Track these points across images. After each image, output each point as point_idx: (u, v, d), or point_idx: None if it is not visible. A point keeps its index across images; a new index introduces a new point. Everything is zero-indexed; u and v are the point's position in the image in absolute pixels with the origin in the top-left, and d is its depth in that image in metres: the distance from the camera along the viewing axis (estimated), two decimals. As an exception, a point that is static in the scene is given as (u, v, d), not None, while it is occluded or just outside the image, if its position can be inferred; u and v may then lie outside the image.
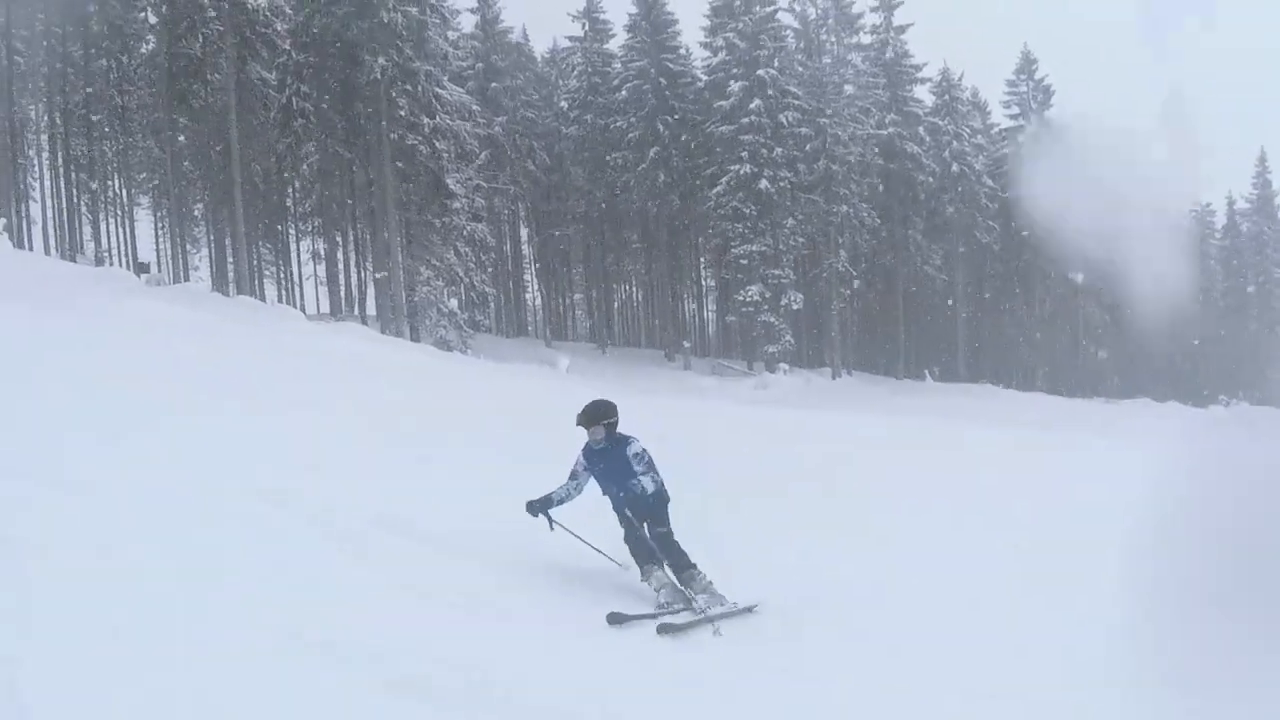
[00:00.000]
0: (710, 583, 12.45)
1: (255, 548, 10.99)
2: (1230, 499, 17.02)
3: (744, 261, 70.97)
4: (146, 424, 15.31)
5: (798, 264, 75.85)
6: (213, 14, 57.24)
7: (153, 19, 62.24)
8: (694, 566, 12.58)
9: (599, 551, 13.09)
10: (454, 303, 60.93)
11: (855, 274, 78.38)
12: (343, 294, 70.69)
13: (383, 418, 20.89)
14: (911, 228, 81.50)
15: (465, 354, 55.82)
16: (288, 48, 61.66)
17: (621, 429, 13.00)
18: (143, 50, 65.47)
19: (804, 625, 12.17)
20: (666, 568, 12.57)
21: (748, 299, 70.29)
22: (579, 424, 12.92)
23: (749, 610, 12.26)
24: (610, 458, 12.88)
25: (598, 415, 12.85)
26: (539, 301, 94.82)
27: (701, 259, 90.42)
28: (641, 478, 12.76)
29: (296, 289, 76.59)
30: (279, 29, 60.56)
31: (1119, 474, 21.87)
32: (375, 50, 57.78)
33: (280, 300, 69.39)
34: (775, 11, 76.38)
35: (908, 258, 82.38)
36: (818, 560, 15.03)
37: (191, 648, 8.19)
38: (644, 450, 12.92)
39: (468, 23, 78.70)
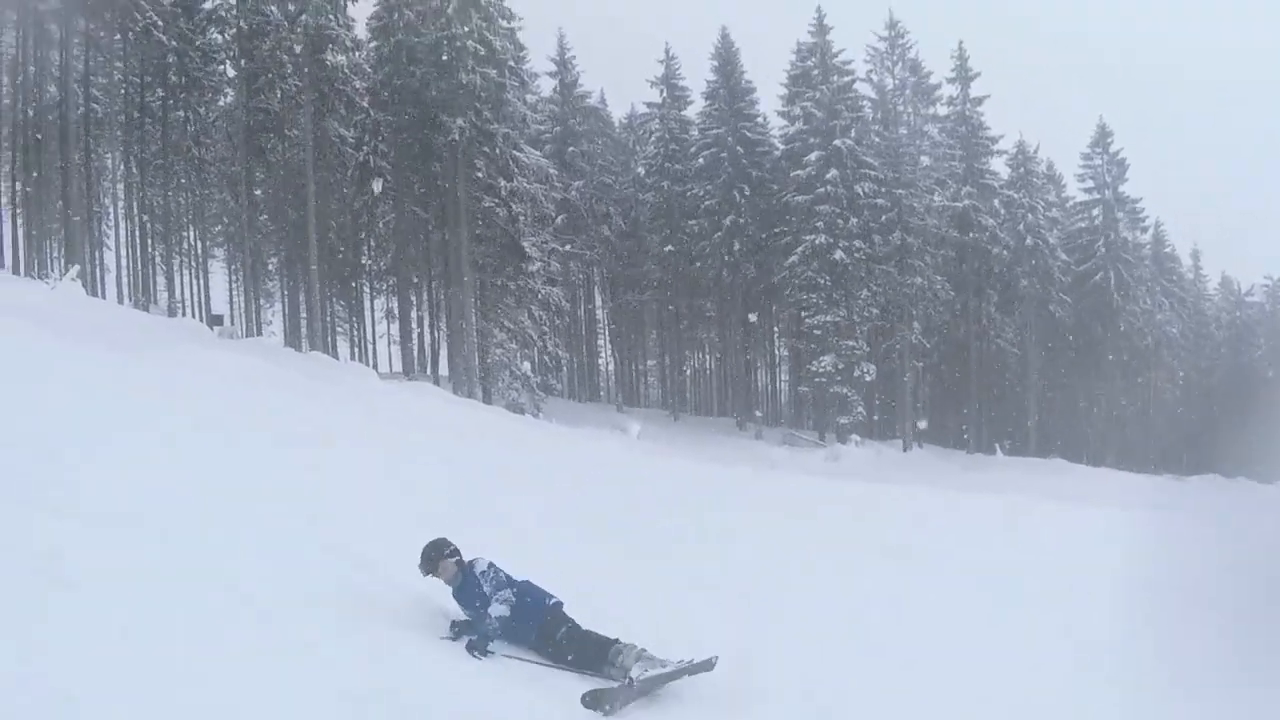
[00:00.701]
0: (642, 650, 11.19)
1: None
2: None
3: (817, 332, 69.44)
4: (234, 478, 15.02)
5: (871, 335, 73.63)
6: (292, 70, 56.78)
7: (231, 72, 61.80)
8: (616, 641, 11.39)
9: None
10: (527, 365, 59.97)
11: (929, 346, 76.14)
12: (415, 353, 69.56)
13: (460, 477, 20.71)
14: (985, 300, 79.16)
15: (537, 417, 54.71)
16: (366, 106, 60.93)
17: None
18: (221, 103, 64.84)
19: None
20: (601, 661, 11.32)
21: (820, 369, 68.60)
22: (424, 573, 11.94)
23: (707, 665, 11.09)
24: (471, 591, 11.85)
25: (439, 553, 11.91)
26: (612, 366, 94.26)
27: (775, 328, 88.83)
28: (490, 608, 11.54)
29: (369, 347, 75.20)
30: (358, 87, 59.97)
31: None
32: (454, 111, 56.94)
33: (353, 358, 67.91)
34: (853, 82, 75.26)
35: (980, 330, 80.00)
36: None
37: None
38: (490, 566, 11.94)
39: (546, 86, 78.78)
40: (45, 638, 7.74)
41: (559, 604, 11.90)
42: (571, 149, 76.95)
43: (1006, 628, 15.66)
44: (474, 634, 11.40)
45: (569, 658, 11.48)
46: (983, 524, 25.65)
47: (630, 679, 10.69)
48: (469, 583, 11.80)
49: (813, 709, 11.07)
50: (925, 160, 76.40)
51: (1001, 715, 11.92)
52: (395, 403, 32.93)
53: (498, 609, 11.48)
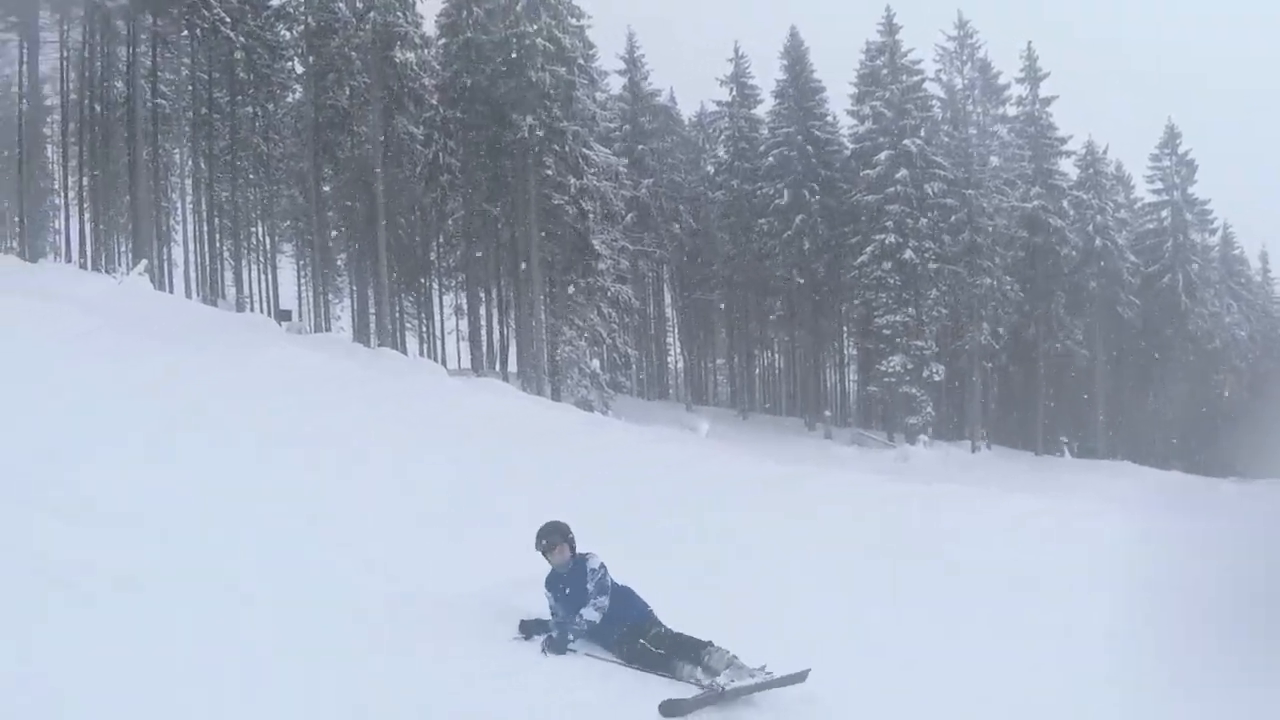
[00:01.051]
0: (733, 656, 10.86)
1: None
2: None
3: (887, 331, 68.89)
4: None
5: (940, 335, 72.56)
6: (360, 66, 56.79)
7: (299, 69, 62.05)
8: (709, 643, 11.10)
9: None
10: (596, 363, 59.45)
11: (997, 346, 75.00)
12: (484, 350, 68.92)
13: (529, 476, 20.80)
14: (1053, 301, 77.77)
15: (606, 414, 53.89)
16: (435, 103, 60.75)
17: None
18: (289, 99, 64.95)
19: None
20: (684, 663, 11.06)
21: (890, 369, 68.11)
22: (540, 549, 11.93)
23: (798, 679, 10.69)
24: (574, 581, 11.76)
25: (563, 535, 11.94)
26: (681, 365, 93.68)
27: (845, 328, 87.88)
28: (584, 609, 11.51)
29: (438, 343, 74.43)
30: (427, 84, 59.93)
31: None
32: (523, 109, 56.53)
33: (421, 354, 67.06)
34: (922, 81, 74.29)
35: (1049, 331, 78.60)
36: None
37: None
38: (601, 566, 11.78)
39: (616, 84, 78.70)
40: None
41: (650, 610, 11.71)
42: (641, 147, 76.69)
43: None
44: (547, 631, 11.44)
45: (646, 658, 11.23)
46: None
47: (719, 685, 10.36)
48: (575, 574, 11.70)
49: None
50: (994, 160, 75.14)
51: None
52: (460, 400, 31.77)
53: (590, 613, 11.39)
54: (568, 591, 11.66)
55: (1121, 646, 13.30)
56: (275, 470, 15.42)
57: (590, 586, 11.52)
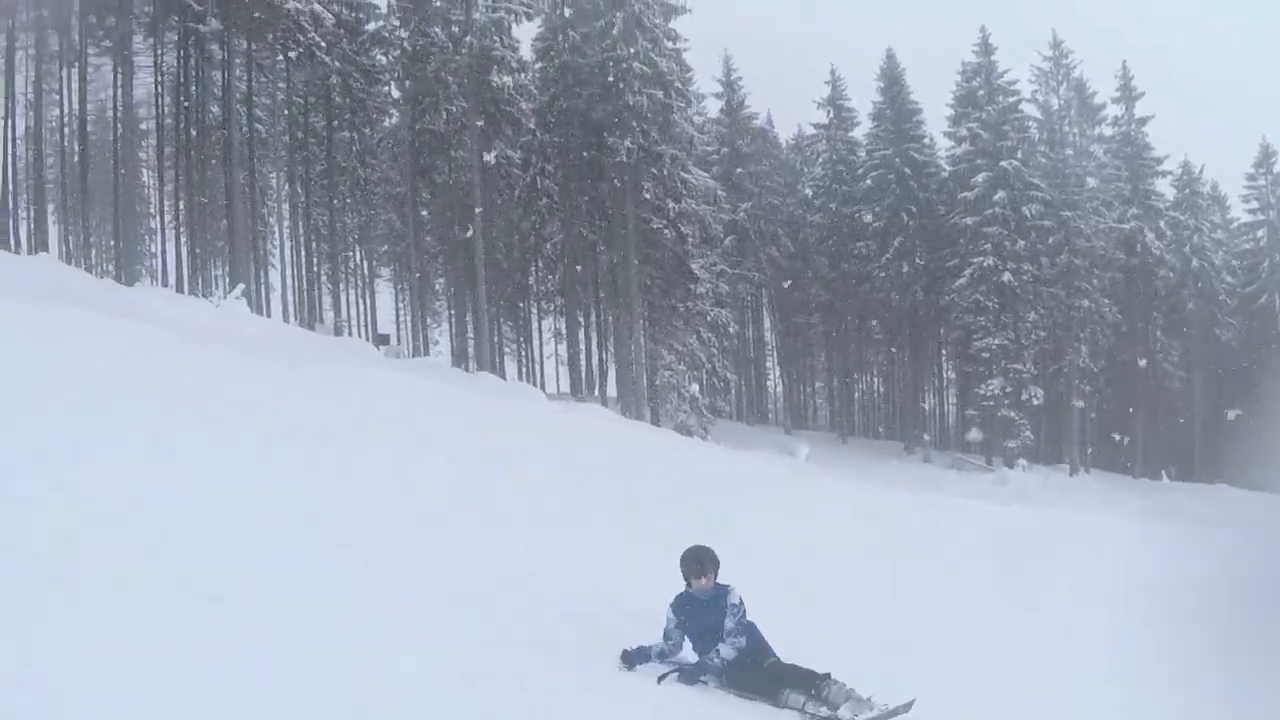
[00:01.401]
0: (850, 689, 10.58)
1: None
2: None
3: (985, 355, 68.18)
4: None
5: (1039, 358, 71.84)
6: (457, 91, 56.38)
7: (396, 94, 62.17)
8: (827, 676, 10.76)
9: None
10: (695, 387, 59.18)
11: (1096, 369, 73.90)
12: (583, 374, 68.37)
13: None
14: (1151, 323, 76.49)
15: (705, 439, 53.25)
16: (533, 127, 60.48)
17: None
18: (385, 124, 65.35)
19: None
20: (793, 692, 10.74)
21: (988, 393, 67.43)
22: (686, 572, 11.50)
23: (905, 709, 10.38)
24: (710, 611, 11.35)
25: (715, 564, 11.50)
26: (780, 389, 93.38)
27: (943, 351, 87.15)
28: (722, 645, 11.08)
29: (537, 367, 74.28)
30: (523, 108, 59.57)
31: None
32: (621, 133, 55.94)
33: (520, 378, 66.57)
34: (1018, 102, 73.10)
35: (1147, 353, 77.26)
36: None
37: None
38: (741, 601, 11.38)
39: (712, 107, 78.37)
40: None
41: (765, 640, 11.41)
42: (739, 170, 76.40)
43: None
44: (648, 659, 11.19)
45: (751, 683, 10.96)
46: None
47: (837, 718, 10.24)
48: (713, 604, 11.34)
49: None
50: (1091, 181, 74.23)
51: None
52: (562, 421, 31.69)
53: (728, 651, 11.05)
54: (699, 619, 11.34)
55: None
56: (373, 487, 15.33)
57: (730, 623, 11.16)
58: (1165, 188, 79.58)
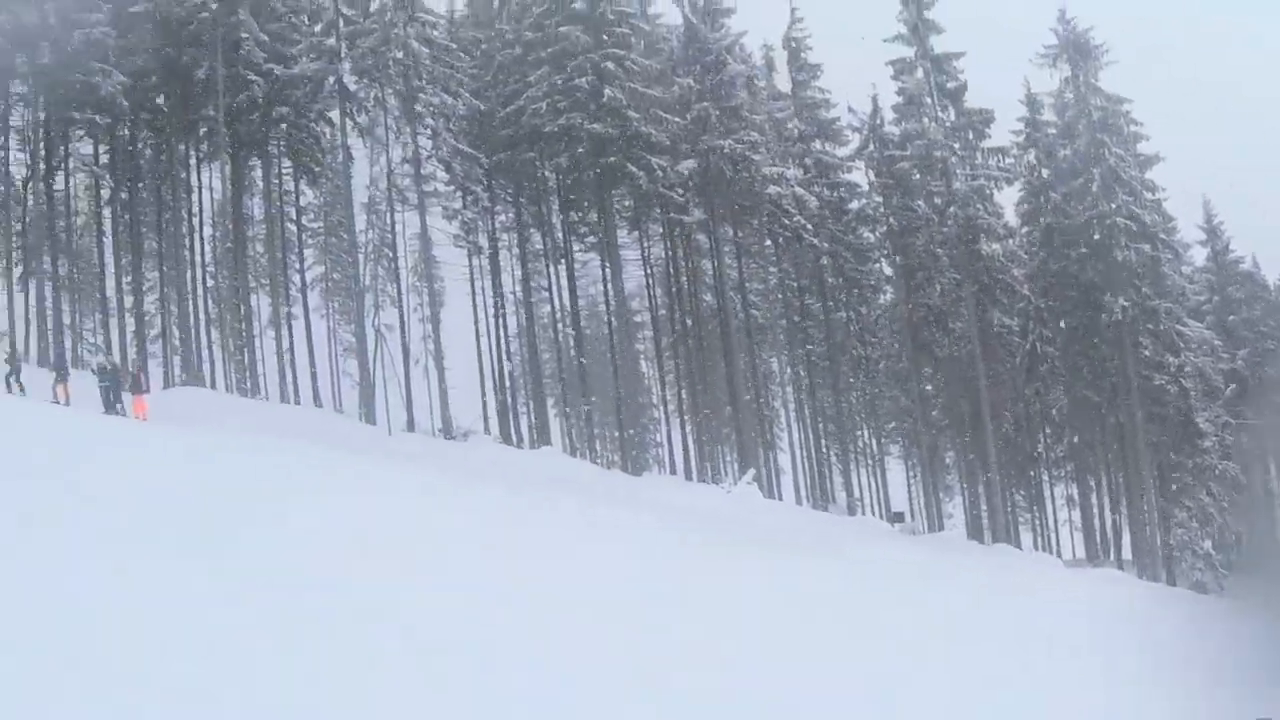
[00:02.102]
0: None
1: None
2: None
3: None
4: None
5: None
6: (948, 262, 56.52)
7: (888, 270, 62.83)
8: None
9: None
10: (1208, 543, 56.22)
11: None
12: (1097, 538, 65.76)
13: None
14: None
15: (1220, 596, 50.98)
16: (1027, 293, 59.30)
17: None
18: (881, 300, 65.65)
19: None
20: None
21: None
22: None
23: None
24: None
25: None
26: None
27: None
28: None
29: (1051, 535, 71.81)
30: (1016, 274, 58.51)
31: None
32: (1114, 290, 54.67)
33: (1036, 546, 64.78)
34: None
35: None
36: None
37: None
38: None
39: (1197, 256, 75.03)
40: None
41: None
42: (1232, 317, 72.78)
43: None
44: None
45: None
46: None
47: None
48: None
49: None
50: None
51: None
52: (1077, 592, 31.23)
53: None
54: None
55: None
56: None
57: None
58: None
